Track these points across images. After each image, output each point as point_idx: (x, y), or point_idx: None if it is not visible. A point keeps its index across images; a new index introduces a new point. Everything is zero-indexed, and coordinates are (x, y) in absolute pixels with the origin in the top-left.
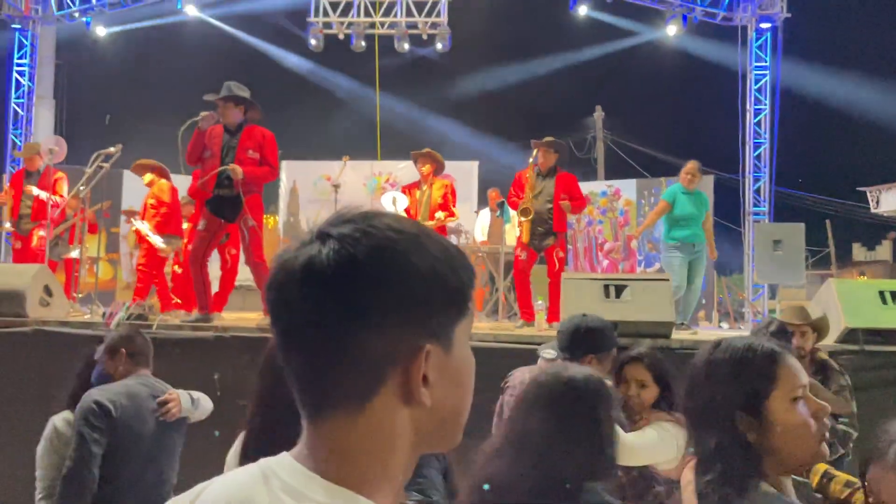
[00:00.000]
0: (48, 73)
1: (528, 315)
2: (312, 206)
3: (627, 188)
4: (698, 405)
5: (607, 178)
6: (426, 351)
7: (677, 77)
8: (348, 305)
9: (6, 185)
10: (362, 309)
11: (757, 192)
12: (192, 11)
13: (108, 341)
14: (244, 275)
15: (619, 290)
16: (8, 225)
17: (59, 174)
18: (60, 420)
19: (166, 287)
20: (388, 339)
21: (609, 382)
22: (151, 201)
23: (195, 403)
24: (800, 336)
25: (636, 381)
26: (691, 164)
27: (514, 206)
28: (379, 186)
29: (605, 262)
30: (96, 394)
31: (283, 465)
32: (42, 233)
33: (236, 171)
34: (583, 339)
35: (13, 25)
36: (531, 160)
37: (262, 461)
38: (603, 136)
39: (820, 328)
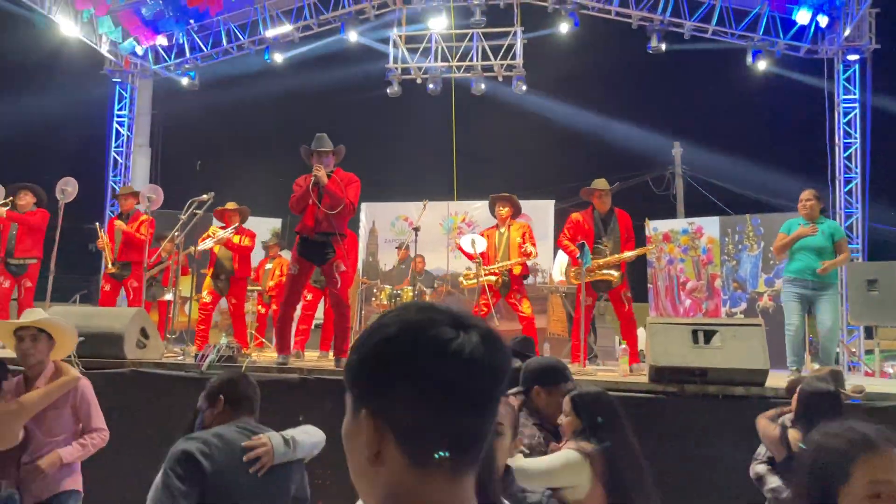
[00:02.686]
0: (145, 123)
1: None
2: (391, 246)
3: (710, 226)
4: (793, 492)
5: (688, 215)
6: None
7: (760, 110)
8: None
9: (102, 232)
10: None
11: (849, 228)
12: (278, 60)
13: (208, 387)
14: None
15: (709, 335)
16: (111, 266)
17: (145, 217)
18: None
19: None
20: None
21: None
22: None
23: (292, 445)
24: None
25: (564, 411)
26: (804, 193)
27: (567, 250)
28: (455, 226)
29: (688, 302)
30: (185, 443)
31: None
32: (136, 284)
33: (321, 177)
34: (530, 374)
35: (114, 80)
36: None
37: None
38: (682, 172)
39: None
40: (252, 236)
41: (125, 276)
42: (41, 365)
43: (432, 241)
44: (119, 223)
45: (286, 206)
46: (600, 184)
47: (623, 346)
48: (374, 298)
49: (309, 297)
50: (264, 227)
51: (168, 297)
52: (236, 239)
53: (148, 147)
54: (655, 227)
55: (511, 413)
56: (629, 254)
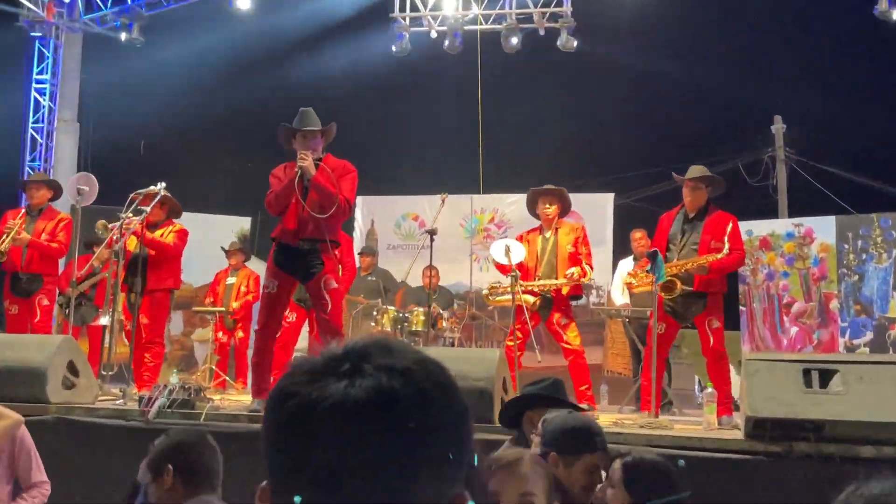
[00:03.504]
0: (72, 91)
1: (652, 405)
2: (396, 254)
3: (823, 228)
4: None
5: (793, 214)
6: (466, 500)
7: (892, 75)
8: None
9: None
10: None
11: None
12: (244, 6)
13: (150, 452)
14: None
15: (826, 376)
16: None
17: (63, 215)
18: None
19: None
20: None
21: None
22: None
23: None
24: None
25: (611, 481)
26: None
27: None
28: (481, 227)
29: (794, 331)
30: None
31: None
32: (46, 302)
33: (307, 167)
34: (548, 435)
35: (33, 33)
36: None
37: None
38: (785, 157)
39: None
40: (182, 235)
41: (34, 290)
42: None
43: (450, 247)
44: (24, 236)
45: (256, 201)
46: (692, 171)
47: (708, 389)
48: (373, 323)
49: (291, 318)
50: (229, 228)
51: (103, 320)
52: (157, 233)
53: (76, 122)
54: (750, 231)
55: (544, 478)
56: (704, 258)
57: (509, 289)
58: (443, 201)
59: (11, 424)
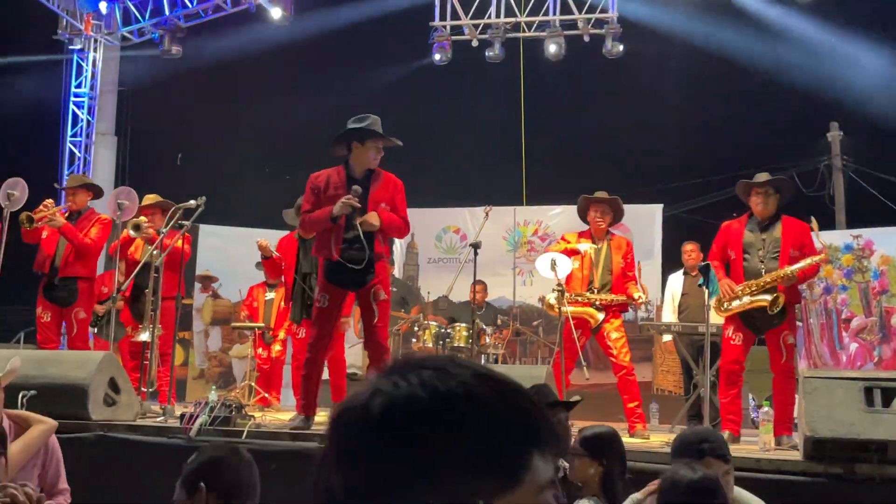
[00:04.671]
0: (109, 104)
1: (734, 425)
2: (437, 267)
3: (883, 239)
4: None
5: (851, 224)
6: None
7: None
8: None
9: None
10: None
11: None
12: (276, 14)
13: (183, 471)
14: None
15: (889, 395)
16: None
17: (102, 217)
18: None
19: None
20: None
21: None
22: None
23: None
24: None
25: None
26: None
27: (718, 272)
28: (524, 240)
29: (853, 347)
30: None
31: None
32: (83, 315)
33: (371, 221)
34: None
35: (71, 47)
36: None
37: None
38: (842, 166)
39: None
40: (190, 242)
41: (70, 301)
42: None
43: (493, 260)
44: (59, 218)
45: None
46: (761, 177)
47: (765, 407)
48: (414, 339)
49: (301, 334)
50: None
51: (144, 336)
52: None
53: (113, 136)
54: None
55: None
56: (791, 268)
57: (580, 298)
58: (486, 214)
59: (47, 429)
